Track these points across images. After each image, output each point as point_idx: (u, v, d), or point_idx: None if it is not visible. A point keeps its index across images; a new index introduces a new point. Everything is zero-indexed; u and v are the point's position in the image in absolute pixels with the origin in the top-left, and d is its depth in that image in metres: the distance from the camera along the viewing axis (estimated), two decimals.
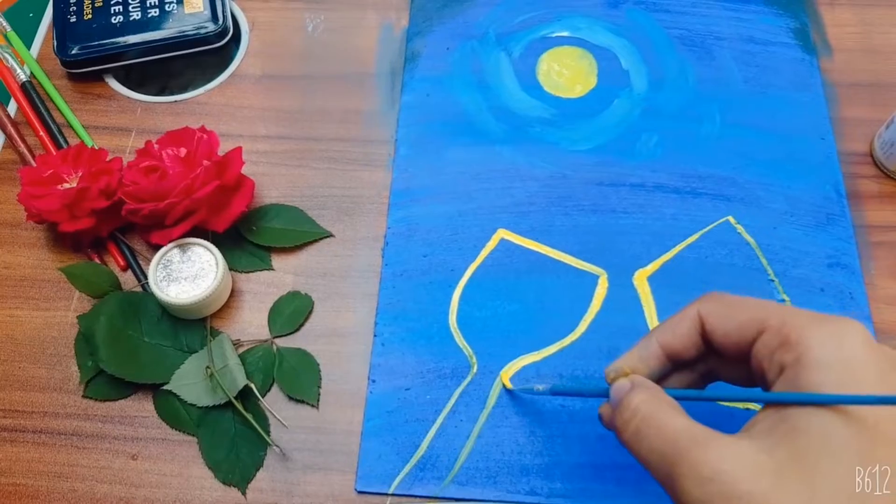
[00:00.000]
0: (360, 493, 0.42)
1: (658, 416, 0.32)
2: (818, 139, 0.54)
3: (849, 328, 0.30)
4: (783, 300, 0.48)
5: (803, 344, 0.30)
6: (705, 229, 0.50)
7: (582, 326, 0.47)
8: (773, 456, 0.29)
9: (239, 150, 0.49)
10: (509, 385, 0.45)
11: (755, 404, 0.44)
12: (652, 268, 0.49)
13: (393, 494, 0.42)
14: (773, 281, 0.48)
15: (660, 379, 0.36)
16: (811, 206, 0.51)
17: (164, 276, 0.46)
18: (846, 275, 0.49)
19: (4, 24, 0.58)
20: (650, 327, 0.47)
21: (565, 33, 0.58)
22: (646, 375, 0.35)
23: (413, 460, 0.43)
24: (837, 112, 0.55)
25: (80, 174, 0.48)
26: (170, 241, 0.47)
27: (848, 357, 0.29)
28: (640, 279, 0.49)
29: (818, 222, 0.50)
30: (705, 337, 0.35)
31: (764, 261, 0.49)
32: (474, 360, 0.46)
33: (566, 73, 0.57)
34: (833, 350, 0.30)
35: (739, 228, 0.50)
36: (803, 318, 0.31)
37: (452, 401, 0.45)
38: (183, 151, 0.48)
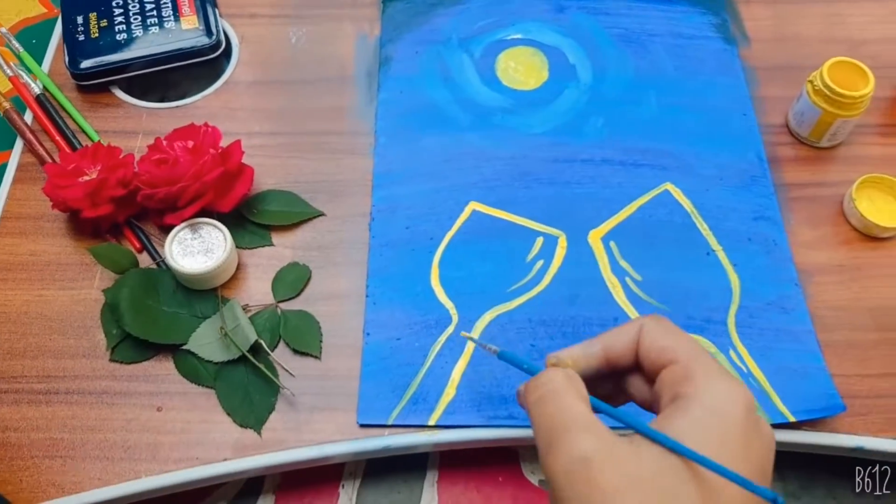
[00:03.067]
0: (363, 426, 0.49)
1: (564, 394, 0.35)
2: (741, 115, 0.62)
3: (740, 392, 0.33)
4: (716, 250, 0.56)
5: (700, 387, 0.33)
6: (648, 194, 0.58)
7: (546, 279, 0.54)
8: (639, 467, 0.32)
9: (238, 142, 0.56)
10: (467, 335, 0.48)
11: None
12: (604, 228, 0.56)
13: (392, 425, 0.49)
14: (705, 236, 0.56)
15: (590, 381, 0.38)
16: (737, 170, 0.59)
17: (178, 251, 0.52)
18: (770, 226, 0.57)
19: (17, 45, 0.64)
20: (604, 279, 0.54)
21: (518, 35, 0.67)
22: (582, 370, 0.38)
23: (406, 396, 0.50)
24: (757, 91, 0.64)
25: (98, 167, 0.54)
26: (182, 221, 0.53)
27: (727, 416, 0.32)
28: (594, 238, 0.56)
29: (744, 183, 0.59)
30: (637, 351, 0.37)
31: (698, 219, 0.57)
32: (454, 312, 0.53)
33: (521, 69, 0.65)
34: (719, 404, 0.33)
35: (677, 192, 0.58)
36: (710, 367, 0.34)
37: (438, 346, 0.52)
38: (190, 143, 0.54)
